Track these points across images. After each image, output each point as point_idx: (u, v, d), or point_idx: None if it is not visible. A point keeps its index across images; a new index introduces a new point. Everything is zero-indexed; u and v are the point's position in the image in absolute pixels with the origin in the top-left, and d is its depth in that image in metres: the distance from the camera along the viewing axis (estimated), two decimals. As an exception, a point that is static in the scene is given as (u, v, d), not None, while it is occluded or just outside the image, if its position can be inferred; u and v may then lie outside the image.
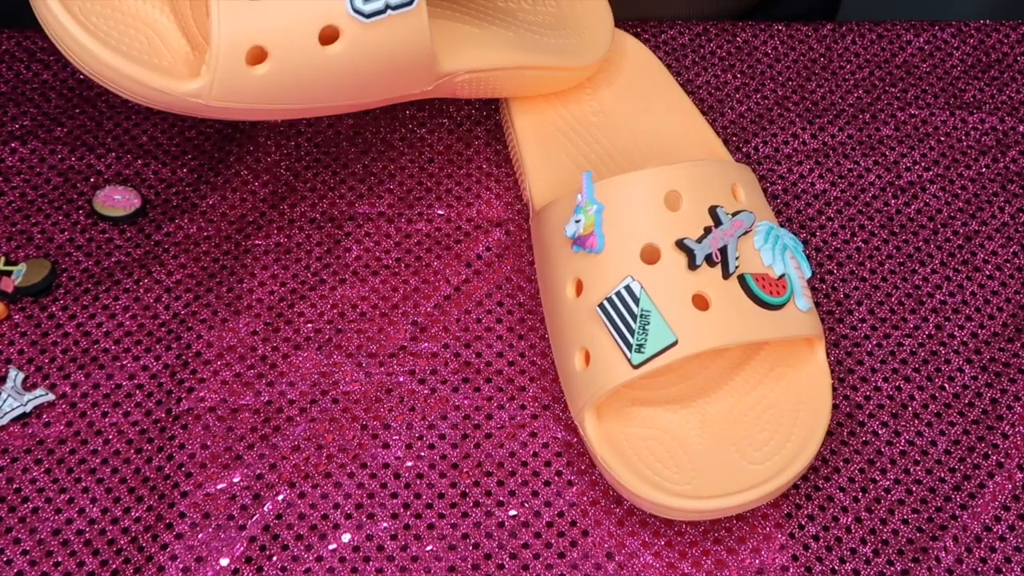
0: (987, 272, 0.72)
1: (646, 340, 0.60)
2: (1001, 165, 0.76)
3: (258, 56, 0.60)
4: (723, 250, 0.61)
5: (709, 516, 0.61)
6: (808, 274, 0.64)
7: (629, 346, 0.60)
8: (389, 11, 0.61)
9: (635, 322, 0.60)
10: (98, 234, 0.72)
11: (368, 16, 0.60)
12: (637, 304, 0.60)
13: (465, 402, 0.66)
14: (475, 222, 0.73)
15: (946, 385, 0.67)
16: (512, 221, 0.73)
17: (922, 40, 0.81)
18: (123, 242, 0.72)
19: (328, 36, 0.61)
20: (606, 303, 0.61)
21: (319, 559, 0.61)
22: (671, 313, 0.60)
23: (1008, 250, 0.72)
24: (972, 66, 0.80)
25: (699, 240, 0.61)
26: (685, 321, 0.60)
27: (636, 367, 0.60)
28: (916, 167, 0.76)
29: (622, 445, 0.62)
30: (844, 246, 0.73)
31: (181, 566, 0.61)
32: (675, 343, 0.60)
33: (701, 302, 0.61)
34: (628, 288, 0.61)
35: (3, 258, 0.70)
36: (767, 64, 0.80)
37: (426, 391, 0.67)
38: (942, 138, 0.77)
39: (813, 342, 0.64)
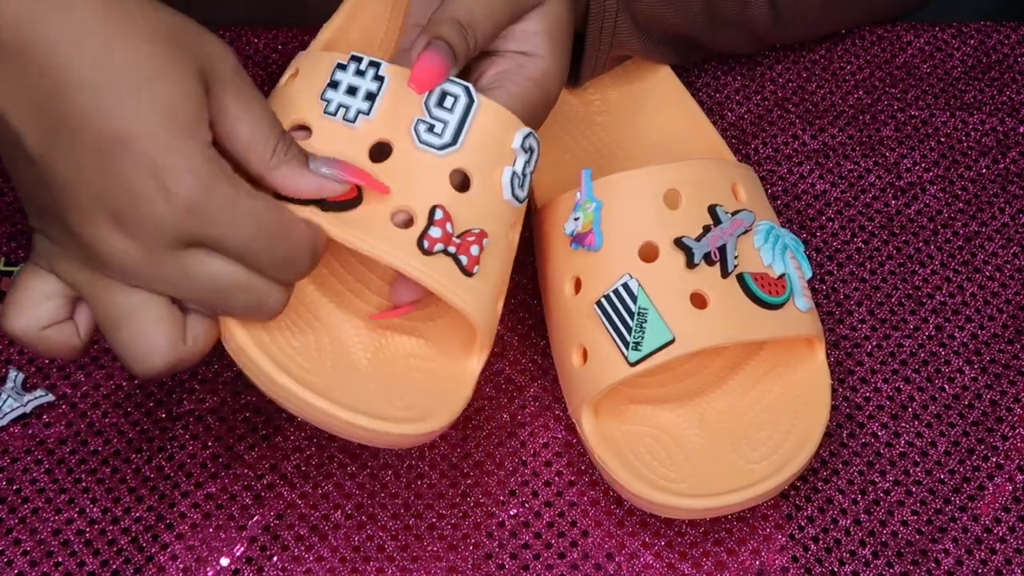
0: (987, 273, 0.72)
1: (643, 338, 0.60)
2: (1001, 166, 0.76)
3: None
4: (722, 249, 0.61)
5: (706, 515, 0.61)
6: (809, 274, 0.64)
7: (626, 344, 0.60)
8: None
9: (632, 320, 0.60)
10: (99, 234, 0.72)
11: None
12: (635, 302, 0.60)
13: (465, 402, 0.66)
14: (475, 222, 0.73)
15: (946, 386, 0.67)
16: (512, 221, 0.73)
17: (922, 41, 0.81)
18: (124, 242, 0.72)
19: None
20: (604, 300, 0.61)
21: (320, 559, 0.61)
22: (669, 311, 0.60)
23: (1008, 251, 0.73)
24: (972, 67, 0.80)
25: (698, 239, 0.61)
26: (683, 319, 0.60)
27: (633, 365, 0.60)
28: (916, 168, 0.76)
29: (619, 443, 0.62)
30: (844, 247, 0.73)
31: (182, 566, 0.61)
32: (672, 341, 0.60)
33: (699, 300, 0.61)
34: (626, 286, 0.61)
35: (3, 258, 0.70)
36: (767, 65, 0.80)
37: (426, 391, 0.67)
38: (942, 139, 0.77)
39: (813, 342, 0.64)
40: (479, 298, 0.59)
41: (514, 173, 0.59)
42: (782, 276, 0.62)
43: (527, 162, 0.60)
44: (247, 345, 0.57)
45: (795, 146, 0.77)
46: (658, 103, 0.75)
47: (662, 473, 0.61)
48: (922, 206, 0.74)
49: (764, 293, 0.61)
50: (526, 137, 0.60)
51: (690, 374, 0.66)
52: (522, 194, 0.60)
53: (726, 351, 0.66)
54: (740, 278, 0.61)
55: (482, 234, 0.58)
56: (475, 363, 0.62)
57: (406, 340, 0.62)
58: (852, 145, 0.77)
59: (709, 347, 0.61)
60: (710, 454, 0.63)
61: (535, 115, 0.62)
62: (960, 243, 0.73)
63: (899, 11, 0.83)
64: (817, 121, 0.78)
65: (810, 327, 0.63)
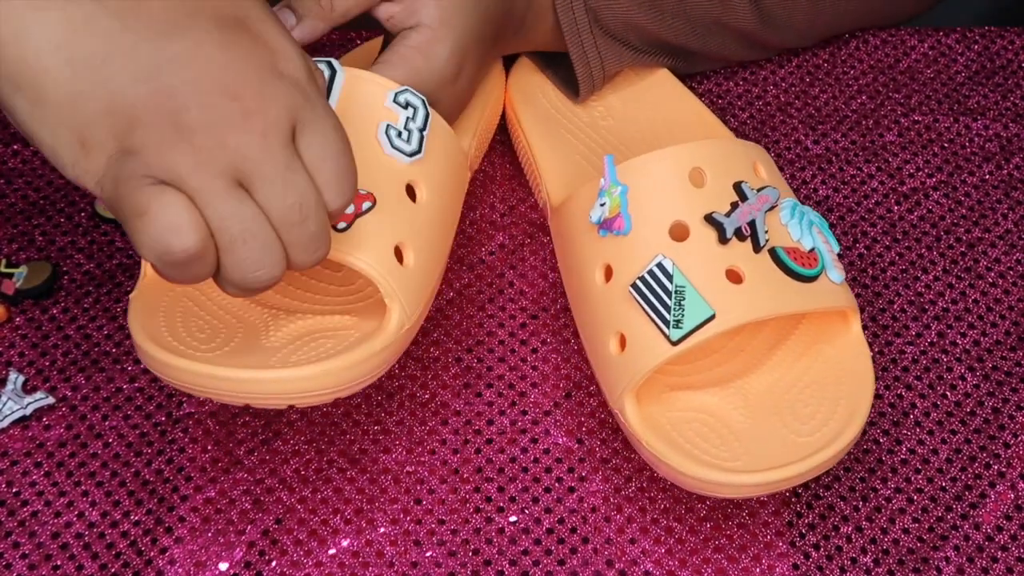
0: (990, 280, 0.71)
1: (683, 315, 0.59)
2: (1005, 172, 0.76)
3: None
4: (752, 224, 0.61)
5: (764, 491, 0.60)
6: (836, 248, 0.63)
7: (666, 323, 0.59)
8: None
9: (670, 299, 0.59)
10: (100, 236, 0.72)
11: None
12: (671, 280, 0.59)
13: (466, 407, 0.66)
14: (478, 226, 0.73)
15: (948, 394, 0.67)
16: (515, 225, 0.73)
17: (926, 46, 0.81)
18: (124, 244, 0.72)
19: None
20: (639, 283, 0.60)
21: (318, 564, 0.61)
22: (706, 288, 0.59)
23: (1011, 257, 0.72)
24: (976, 72, 0.80)
25: (727, 214, 0.61)
26: (720, 295, 0.59)
27: (675, 343, 0.59)
28: (919, 173, 0.76)
29: (665, 428, 0.61)
30: (846, 252, 0.72)
31: (180, 571, 0.61)
32: (713, 317, 0.59)
33: (734, 276, 0.60)
34: (660, 265, 0.60)
35: (4, 260, 0.70)
36: (770, 70, 0.80)
37: (427, 395, 0.66)
38: (945, 144, 0.77)
39: (848, 316, 0.64)
40: (353, 249, 0.60)
41: (389, 126, 0.62)
42: (812, 250, 0.62)
43: (410, 118, 0.62)
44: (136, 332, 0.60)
45: (798, 151, 0.77)
46: (658, 101, 0.75)
47: (714, 453, 0.60)
48: (925, 212, 0.74)
49: (798, 266, 0.61)
50: (399, 94, 0.62)
51: (728, 358, 0.65)
52: (408, 148, 0.62)
53: (761, 332, 0.65)
54: (773, 252, 0.61)
55: (364, 197, 0.60)
56: (388, 320, 0.61)
57: (323, 320, 0.64)
58: (855, 150, 0.77)
59: (749, 322, 0.60)
60: (759, 432, 0.62)
61: (422, 78, 0.65)
62: (963, 249, 0.73)
63: (904, 11, 0.82)
64: (820, 126, 0.78)
65: (846, 299, 0.62)
